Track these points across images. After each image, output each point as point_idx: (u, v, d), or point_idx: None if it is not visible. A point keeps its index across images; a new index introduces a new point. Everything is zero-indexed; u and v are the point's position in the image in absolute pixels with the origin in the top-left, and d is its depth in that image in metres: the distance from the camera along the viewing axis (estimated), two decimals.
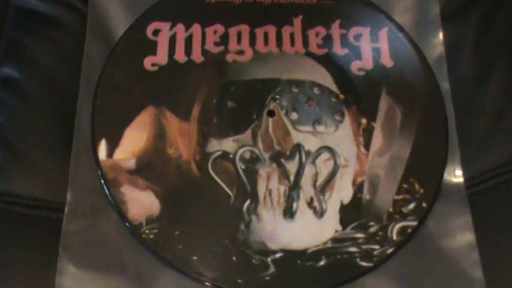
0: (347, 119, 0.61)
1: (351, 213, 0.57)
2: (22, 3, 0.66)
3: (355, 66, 0.63)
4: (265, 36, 0.64)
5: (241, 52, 0.63)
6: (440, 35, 0.65)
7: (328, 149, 0.59)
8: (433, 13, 0.66)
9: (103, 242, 0.56)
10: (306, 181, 0.58)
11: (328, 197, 0.57)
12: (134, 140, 0.59)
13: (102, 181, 0.57)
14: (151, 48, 0.63)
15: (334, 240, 0.56)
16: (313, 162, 0.58)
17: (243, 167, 0.58)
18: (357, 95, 0.62)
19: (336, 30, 0.65)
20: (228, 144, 0.59)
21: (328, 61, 0.63)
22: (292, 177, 0.58)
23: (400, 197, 0.58)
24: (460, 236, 0.57)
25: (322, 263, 0.55)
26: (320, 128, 0.60)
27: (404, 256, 0.56)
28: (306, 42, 0.64)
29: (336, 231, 0.56)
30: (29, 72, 0.63)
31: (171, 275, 0.55)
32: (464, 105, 0.63)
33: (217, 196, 0.57)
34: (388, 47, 0.64)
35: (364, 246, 0.56)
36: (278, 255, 0.55)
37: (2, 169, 0.59)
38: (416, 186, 0.58)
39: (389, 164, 0.59)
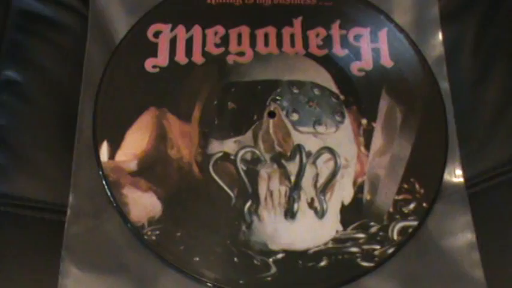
0: (347, 120, 0.61)
1: (351, 213, 0.57)
2: (23, 5, 0.66)
3: (355, 67, 0.63)
4: (266, 37, 0.64)
5: (241, 53, 0.63)
6: (440, 36, 0.66)
7: (329, 149, 0.59)
8: (432, 13, 0.66)
9: (105, 243, 0.56)
10: (306, 182, 0.58)
11: (329, 197, 0.58)
12: (136, 141, 0.59)
13: (104, 183, 0.58)
14: (152, 50, 0.63)
15: (335, 240, 0.56)
16: (314, 162, 0.59)
17: (244, 168, 0.58)
18: (357, 96, 0.62)
19: (335, 31, 0.65)
20: (229, 145, 0.59)
21: (328, 62, 0.63)
22: (293, 178, 0.58)
23: (401, 197, 0.58)
24: (461, 236, 0.57)
25: (323, 263, 0.56)
26: (320, 128, 0.60)
27: (405, 256, 0.57)
28: (306, 43, 0.64)
29: (337, 231, 0.57)
30: (30, 75, 0.63)
31: (173, 276, 0.56)
32: (464, 105, 0.63)
33: (219, 197, 0.57)
34: (387, 48, 0.64)
35: (365, 247, 0.56)
36: (279, 255, 0.56)
37: (4, 171, 0.59)
38: (417, 186, 0.59)
39: (390, 164, 0.59)
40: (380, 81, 0.63)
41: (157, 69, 0.62)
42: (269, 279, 0.55)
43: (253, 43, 0.64)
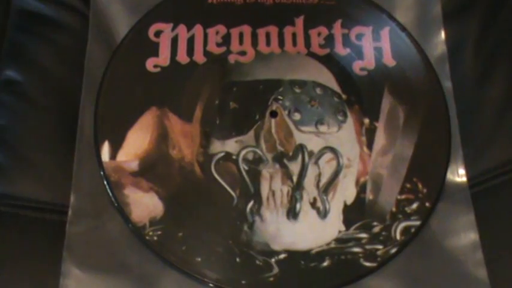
0: (350, 119, 0.61)
1: (354, 213, 0.57)
2: (24, 5, 0.66)
3: (357, 66, 0.63)
4: (267, 36, 0.64)
5: (243, 53, 0.63)
6: (442, 34, 0.65)
7: (331, 149, 0.59)
8: (434, 12, 0.66)
9: (107, 244, 0.56)
10: (309, 181, 0.58)
11: (332, 197, 0.57)
12: (137, 141, 0.59)
13: (105, 183, 0.57)
14: (153, 49, 0.63)
15: (337, 240, 0.56)
16: (316, 162, 0.58)
17: (246, 168, 0.58)
18: (359, 95, 0.62)
19: (337, 30, 0.65)
20: (231, 145, 0.59)
21: (330, 61, 0.63)
22: (295, 178, 0.58)
23: (403, 196, 0.58)
24: (464, 236, 0.57)
25: (325, 263, 0.55)
26: (323, 128, 0.60)
27: (408, 256, 0.56)
28: (307, 43, 0.64)
29: (340, 231, 0.56)
30: (31, 75, 0.63)
31: (175, 276, 0.55)
32: (467, 104, 0.63)
33: (221, 197, 0.57)
34: (390, 47, 0.64)
35: (368, 246, 0.56)
36: (282, 256, 0.55)
37: (5, 172, 0.59)
38: (420, 185, 0.58)
39: (392, 164, 0.59)
40: (382, 81, 0.62)
41: (158, 69, 0.62)
42: (271, 279, 0.55)
43: (254, 42, 0.64)
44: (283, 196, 0.57)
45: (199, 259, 0.55)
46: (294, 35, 0.64)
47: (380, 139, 0.60)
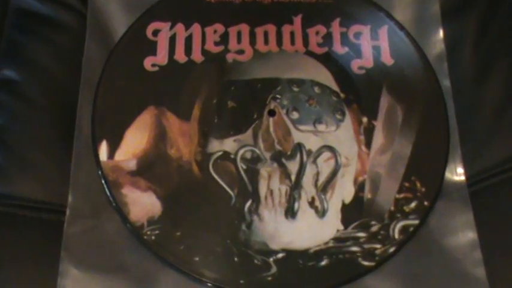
0: (348, 118, 0.61)
1: (352, 212, 0.57)
2: (21, 4, 0.66)
3: (355, 65, 0.63)
4: (265, 35, 0.64)
5: (241, 51, 0.63)
6: (441, 33, 0.65)
7: (329, 148, 0.59)
8: (433, 10, 0.66)
9: (104, 243, 0.56)
10: (307, 181, 0.58)
11: (330, 196, 0.57)
12: (135, 140, 0.59)
13: (103, 182, 0.57)
14: (151, 48, 0.63)
15: (335, 239, 0.56)
16: (314, 161, 0.58)
17: (244, 167, 0.58)
18: (357, 94, 0.62)
19: (336, 28, 0.65)
20: (229, 144, 0.59)
21: (328, 60, 0.63)
22: (293, 177, 0.58)
23: (402, 195, 0.58)
24: (462, 235, 0.57)
25: (324, 262, 0.55)
26: (321, 127, 0.60)
27: (406, 255, 0.56)
28: (306, 41, 0.64)
29: (338, 230, 0.56)
30: (28, 74, 0.63)
31: (173, 276, 0.55)
32: (465, 102, 0.63)
33: (219, 196, 0.57)
34: (388, 45, 0.64)
35: (366, 246, 0.56)
36: (280, 255, 0.55)
37: (3, 171, 0.59)
38: (418, 184, 0.58)
39: (391, 163, 0.59)
40: (380, 79, 0.62)
41: (156, 68, 0.62)
42: (269, 279, 0.55)
43: (252, 41, 0.63)
44: (281, 195, 0.57)
45: (197, 258, 0.55)
46: (292, 34, 0.64)
47: (378, 138, 0.60)
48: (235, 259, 0.55)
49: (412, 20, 0.66)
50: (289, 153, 0.58)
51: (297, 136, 0.59)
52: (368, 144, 0.60)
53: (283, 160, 0.58)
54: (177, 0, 0.66)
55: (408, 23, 0.65)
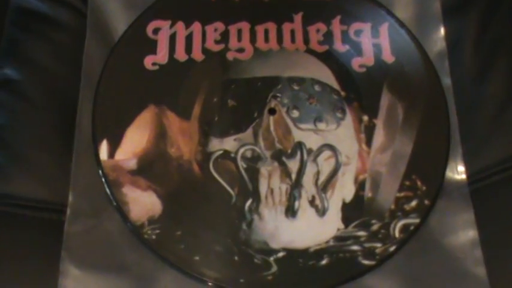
0: (348, 116, 0.60)
1: (353, 211, 0.57)
2: (21, 3, 0.66)
3: (356, 63, 0.63)
4: (266, 33, 0.64)
5: (241, 50, 0.63)
6: (442, 30, 0.65)
7: (330, 146, 0.59)
8: (434, 8, 0.66)
9: (105, 243, 0.56)
10: (307, 179, 0.58)
11: (330, 195, 0.57)
12: (135, 140, 0.59)
13: (103, 182, 0.57)
14: (151, 47, 0.63)
15: (336, 238, 0.56)
16: (315, 160, 0.58)
17: (245, 165, 0.58)
18: (358, 92, 0.62)
19: (336, 26, 0.64)
20: (229, 143, 0.59)
21: (329, 58, 0.63)
22: (293, 176, 0.58)
23: (402, 194, 0.58)
24: (463, 233, 0.57)
25: (324, 261, 0.55)
26: (321, 125, 0.60)
27: (407, 254, 0.56)
28: (306, 39, 0.64)
29: (338, 229, 0.56)
30: (29, 73, 0.63)
31: (173, 275, 0.55)
32: (466, 100, 0.62)
33: (219, 195, 0.57)
34: (389, 43, 0.64)
35: (367, 245, 0.56)
36: (280, 254, 0.55)
37: (3, 170, 0.59)
38: (419, 183, 0.58)
39: (391, 161, 0.59)
40: (381, 77, 0.62)
41: (156, 67, 0.62)
42: (270, 278, 0.55)
43: (253, 39, 0.63)
44: (281, 194, 0.57)
45: (197, 258, 0.55)
46: (292, 32, 0.64)
47: (379, 136, 0.60)
48: (236, 258, 0.55)
49: (413, 18, 0.66)
50: (289, 151, 0.58)
51: (298, 135, 0.59)
52: (368, 143, 0.59)
53: (284, 159, 0.58)
54: None
55: (409, 21, 0.65)
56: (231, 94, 0.61)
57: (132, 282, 0.55)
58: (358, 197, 0.58)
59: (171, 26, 0.63)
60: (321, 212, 0.57)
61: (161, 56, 0.62)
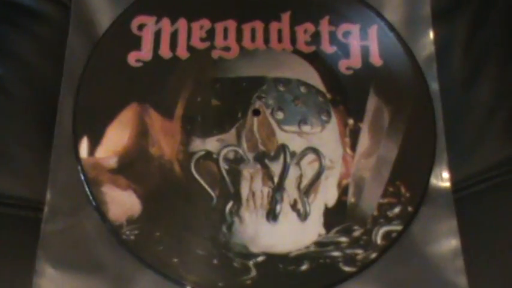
0: (334, 119, 0.60)
1: (335, 216, 0.56)
2: None
3: (343, 65, 0.62)
4: (253, 32, 0.63)
5: (227, 48, 0.62)
6: (431, 34, 0.64)
7: (314, 150, 0.58)
8: (424, 12, 0.65)
9: (82, 242, 0.55)
10: (290, 183, 0.57)
11: (312, 199, 0.57)
12: (116, 138, 0.58)
13: (82, 180, 0.56)
14: (135, 43, 0.61)
15: (317, 244, 0.55)
16: (298, 163, 0.57)
17: (227, 167, 0.57)
18: (344, 95, 0.61)
19: (324, 27, 0.63)
20: (212, 144, 0.58)
21: (315, 59, 0.62)
22: (276, 179, 0.57)
23: (386, 200, 0.57)
24: (445, 242, 0.56)
25: (304, 267, 0.55)
26: (306, 128, 0.59)
27: (388, 261, 0.56)
28: (293, 39, 0.63)
29: (320, 234, 0.56)
30: (9, 67, 0.62)
31: (151, 276, 0.55)
32: (454, 106, 0.62)
33: (200, 197, 0.56)
34: (377, 46, 0.63)
35: (348, 251, 0.55)
36: (260, 258, 0.55)
37: None
38: (403, 189, 0.57)
39: (376, 166, 0.58)
40: (368, 80, 0.61)
41: (140, 64, 0.61)
42: (249, 282, 0.54)
43: (239, 38, 0.62)
44: (263, 197, 0.56)
45: (176, 260, 0.54)
46: (279, 31, 0.63)
47: (364, 140, 0.59)
48: (215, 261, 0.54)
49: (402, 21, 0.65)
50: (272, 154, 0.58)
51: (281, 137, 0.58)
52: (353, 147, 0.59)
53: (267, 161, 0.57)
54: None
55: (398, 24, 0.64)
56: (215, 93, 0.60)
57: (109, 283, 0.54)
58: (340, 202, 0.57)
59: (157, 22, 0.62)
60: (303, 216, 0.56)
61: (145, 53, 0.61)
